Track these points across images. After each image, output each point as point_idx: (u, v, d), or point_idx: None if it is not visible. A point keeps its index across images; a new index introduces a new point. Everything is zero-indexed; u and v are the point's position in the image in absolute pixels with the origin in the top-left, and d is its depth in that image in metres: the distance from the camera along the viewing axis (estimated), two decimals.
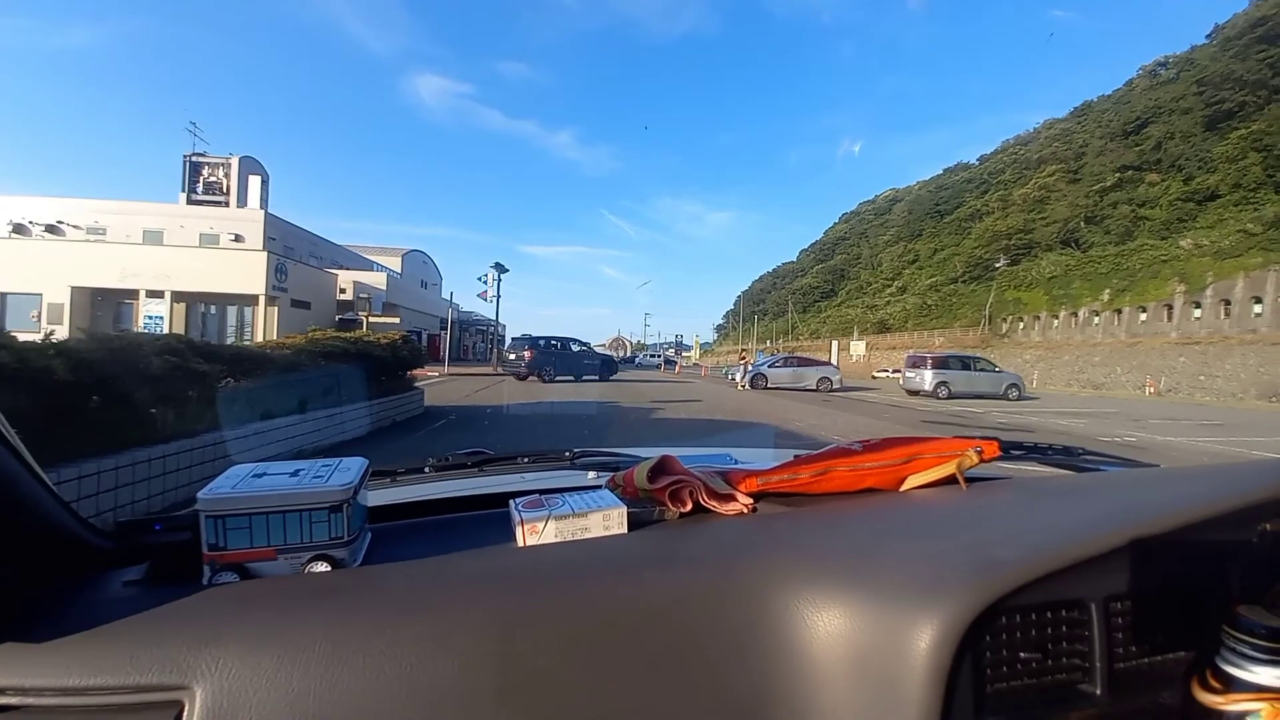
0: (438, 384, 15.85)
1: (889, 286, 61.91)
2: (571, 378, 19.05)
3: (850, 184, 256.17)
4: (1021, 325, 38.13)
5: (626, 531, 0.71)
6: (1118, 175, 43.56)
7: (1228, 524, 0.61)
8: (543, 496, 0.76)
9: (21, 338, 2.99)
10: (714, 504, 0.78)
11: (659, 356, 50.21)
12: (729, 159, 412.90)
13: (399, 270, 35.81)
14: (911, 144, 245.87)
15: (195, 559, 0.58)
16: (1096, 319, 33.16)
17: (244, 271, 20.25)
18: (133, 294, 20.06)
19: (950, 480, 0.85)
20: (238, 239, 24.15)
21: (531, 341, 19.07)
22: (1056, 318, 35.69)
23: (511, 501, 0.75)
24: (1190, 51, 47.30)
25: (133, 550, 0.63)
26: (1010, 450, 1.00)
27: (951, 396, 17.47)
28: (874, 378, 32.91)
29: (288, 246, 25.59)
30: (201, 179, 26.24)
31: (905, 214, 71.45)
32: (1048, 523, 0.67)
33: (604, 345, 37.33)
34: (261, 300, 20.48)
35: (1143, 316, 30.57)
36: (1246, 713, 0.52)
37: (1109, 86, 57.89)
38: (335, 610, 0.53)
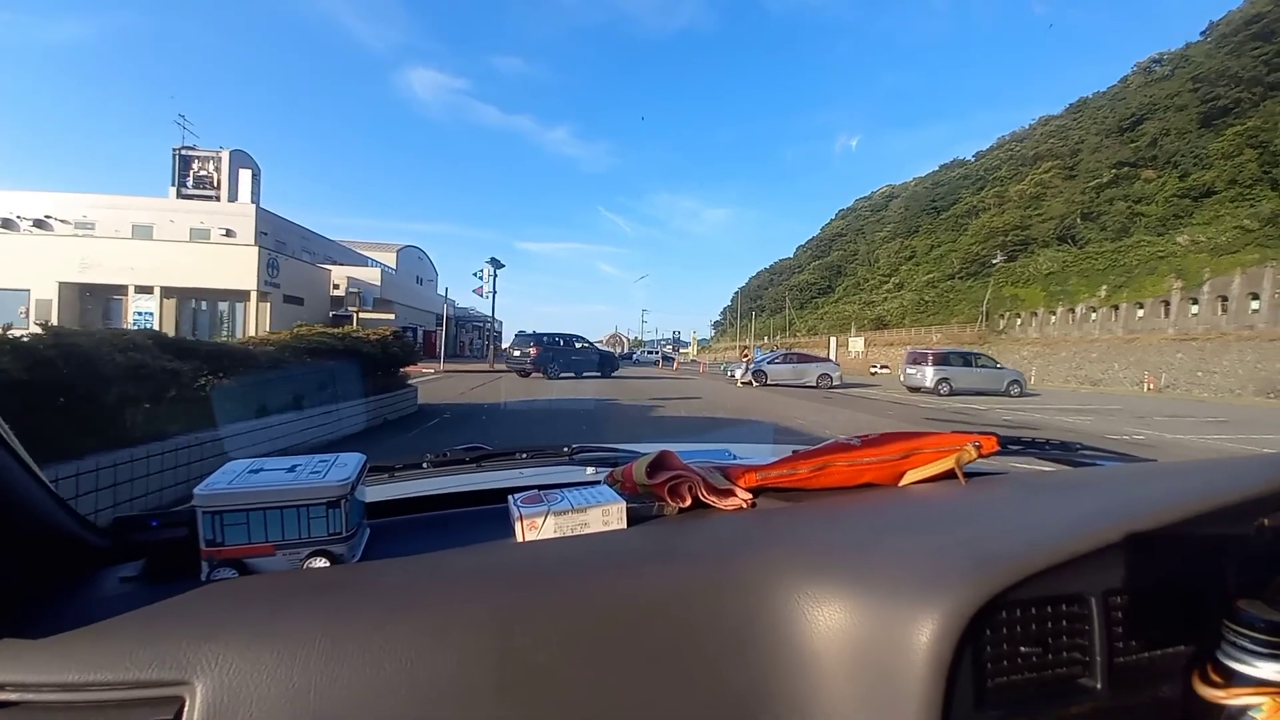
0: (433, 381, 15.60)
1: (886, 283, 61.89)
2: (573, 374, 18.98)
3: (847, 180, 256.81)
4: (1019, 321, 38.15)
5: (625, 527, 0.70)
6: (1114, 172, 43.60)
7: (1226, 518, 0.60)
8: (541, 492, 0.75)
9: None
10: (713, 499, 0.78)
11: (656, 353, 50.09)
12: (726, 155, 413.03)
13: (394, 266, 35.48)
14: (908, 140, 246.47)
15: (193, 555, 0.57)
16: (1094, 315, 33.18)
17: (235, 267, 19.94)
18: (121, 290, 19.73)
19: (949, 475, 0.84)
20: (229, 234, 23.81)
21: (537, 338, 19.06)
22: (1054, 314, 35.70)
23: (510, 497, 0.74)
24: (1185, 49, 47.40)
25: (129, 547, 0.62)
26: (1008, 445, 1.00)
27: (953, 393, 17.34)
28: (872, 374, 32.86)
29: (280, 241, 25.25)
30: (192, 173, 25.89)
31: (902, 210, 71.45)
32: (1047, 517, 0.67)
33: (601, 342, 37.11)
34: (253, 296, 20.18)
35: (1140, 313, 30.59)
36: (1247, 707, 0.52)
37: (1104, 83, 58.04)
38: (334, 606, 0.52)
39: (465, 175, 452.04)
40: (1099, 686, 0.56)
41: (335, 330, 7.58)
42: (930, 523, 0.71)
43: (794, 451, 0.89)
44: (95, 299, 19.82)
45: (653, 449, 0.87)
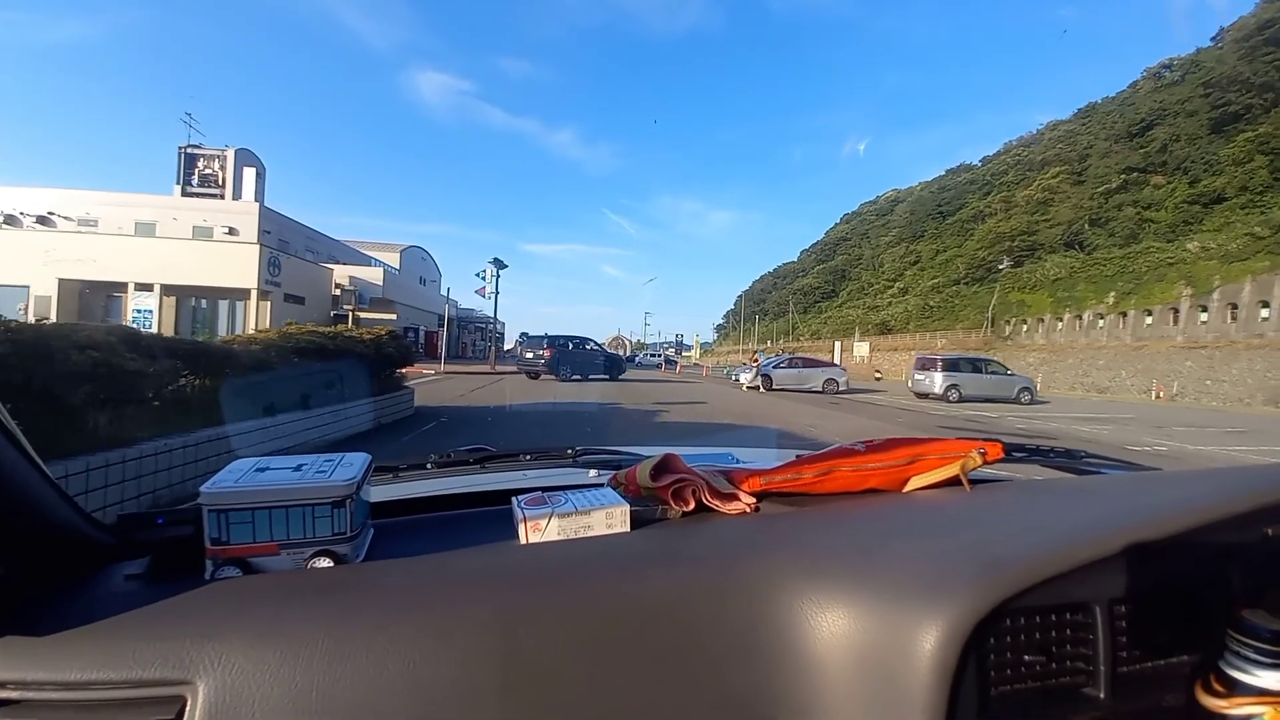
0: (432, 383, 15.39)
1: (890, 287, 61.51)
2: (580, 377, 18.96)
3: (852, 184, 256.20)
4: (1025, 328, 37.79)
5: (629, 530, 0.70)
6: (1122, 177, 43.27)
7: (1231, 527, 0.60)
8: (545, 494, 0.75)
9: None
10: (717, 503, 0.77)
11: (659, 356, 49.85)
12: (730, 157, 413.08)
13: (397, 266, 35.37)
14: (913, 144, 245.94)
15: (198, 553, 0.57)
16: (1101, 322, 32.81)
17: (235, 265, 19.82)
18: (121, 287, 19.61)
19: (954, 482, 0.84)
20: (231, 232, 23.71)
21: (550, 340, 19.19)
22: (1060, 320, 35.34)
23: (514, 499, 0.74)
24: (1195, 54, 47.04)
25: (134, 544, 0.62)
26: (1013, 453, 1.00)
27: (962, 400, 17.03)
28: (876, 379, 32.57)
29: (283, 240, 25.15)
30: (197, 171, 25.85)
31: (907, 215, 71.09)
32: (1052, 524, 0.67)
33: (604, 344, 36.98)
34: (253, 295, 20.05)
35: (1148, 320, 30.21)
36: (1250, 716, 0.52)
37: (1112, 88, 57.78)
38: (338, 606, 0.53)
39: (470, 176, 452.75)
40: (1102, 696, 0.56)
41: (326, 330, 7.32)
42: (935, 529, 0.70)
43: (798, 456, 0.88)
44: (95, 296, 19.71)
45: (656, 452, 0.86)
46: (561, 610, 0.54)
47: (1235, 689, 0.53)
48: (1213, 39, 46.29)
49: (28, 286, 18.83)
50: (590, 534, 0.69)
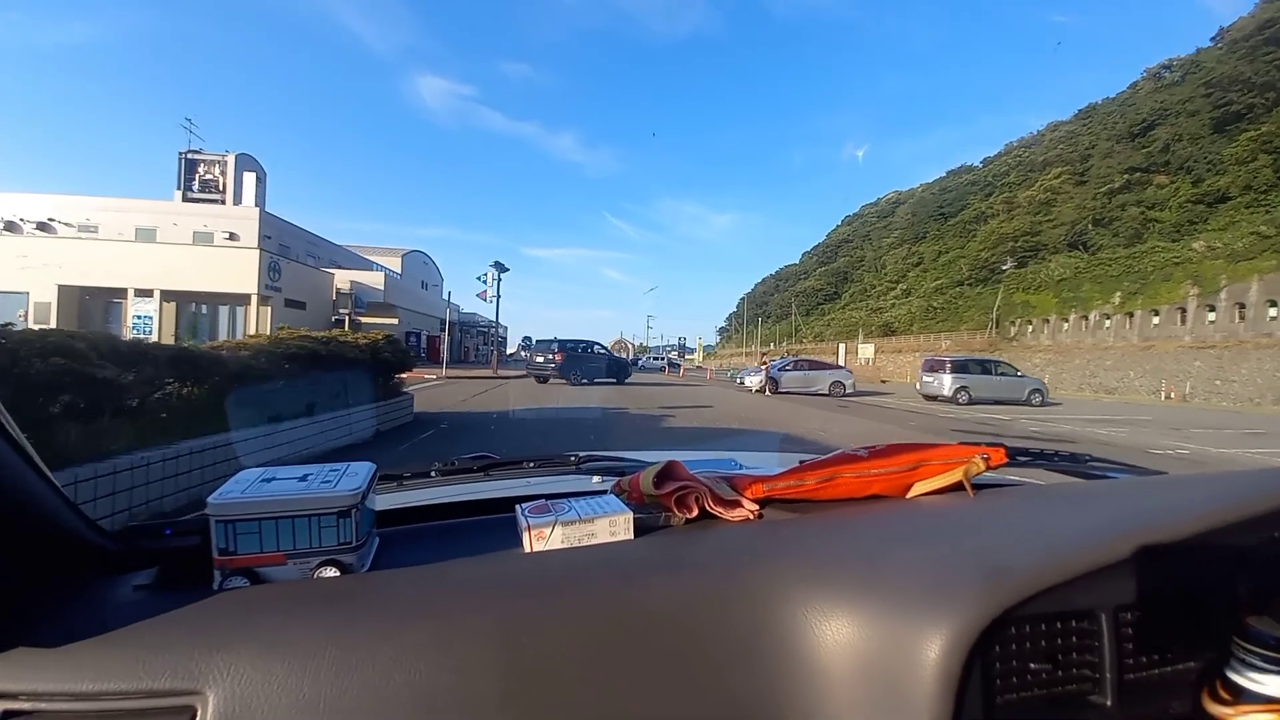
0: (434, 388, 15.17)
1: (893, 289, 61.36)
2: (587, 380, 18.99)
3: (853, 186, 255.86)
4: (1030, 328, 37.55)
5: (633, 537, 0.70)
6: (1125, 177, 43.13)
7: (1238, 532, 0.60)
8: (549, 502, 0.75)
9: None
10: (720, 510, 0.77)
11: (662, 359, 49.66)
12: (731, 161, 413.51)
13: (399, 270, 35.26)
14: (914, 146, 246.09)
15: (205, 563, 0.58)
16: (1108, 322, 32.58)
17: (235, 270, 19.70)
18: (121, 293, 19.49)
19: (957, 487, 0.83)
20: (232, 237, 23.59)
21: (561, 344, 19.31)
22: (1066, 321, 35.10)
23: (518, 506, 0.74)
24: (1196, 54, 47.00)
25: (142, 554, 0.62)
26: (1017, 457, 0.99)
27: (971, 402, 16.79)
28: (883, 382, 32.34)
29: (284, 245, 25.03)
30: (198, 176, 25.79)
31: (909, 216, 70.97)
32: (1058, 530, 0.67)
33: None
34: (254, 300, 19.92)
35: (1155, 320, 29.98)
36: None
37: (1112, 89, 57.85)
38: (344, 616, 0.53)
39: (472, 181, 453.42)
40: (1109, 703, 0.55)
41: (319, 334, 7.00)
42: (939, 535, 0.69)
43: (801, 462, 0.88)
44: (95, 302, 19.59)
45: (659, 458, 0.87)
46: (565, 618, 0.54)
47: (1241, 696, 0.52)
48: (1213, 39, 46.24)
49: (27, 293, 18.72)
50: (594, 541, 0.69)
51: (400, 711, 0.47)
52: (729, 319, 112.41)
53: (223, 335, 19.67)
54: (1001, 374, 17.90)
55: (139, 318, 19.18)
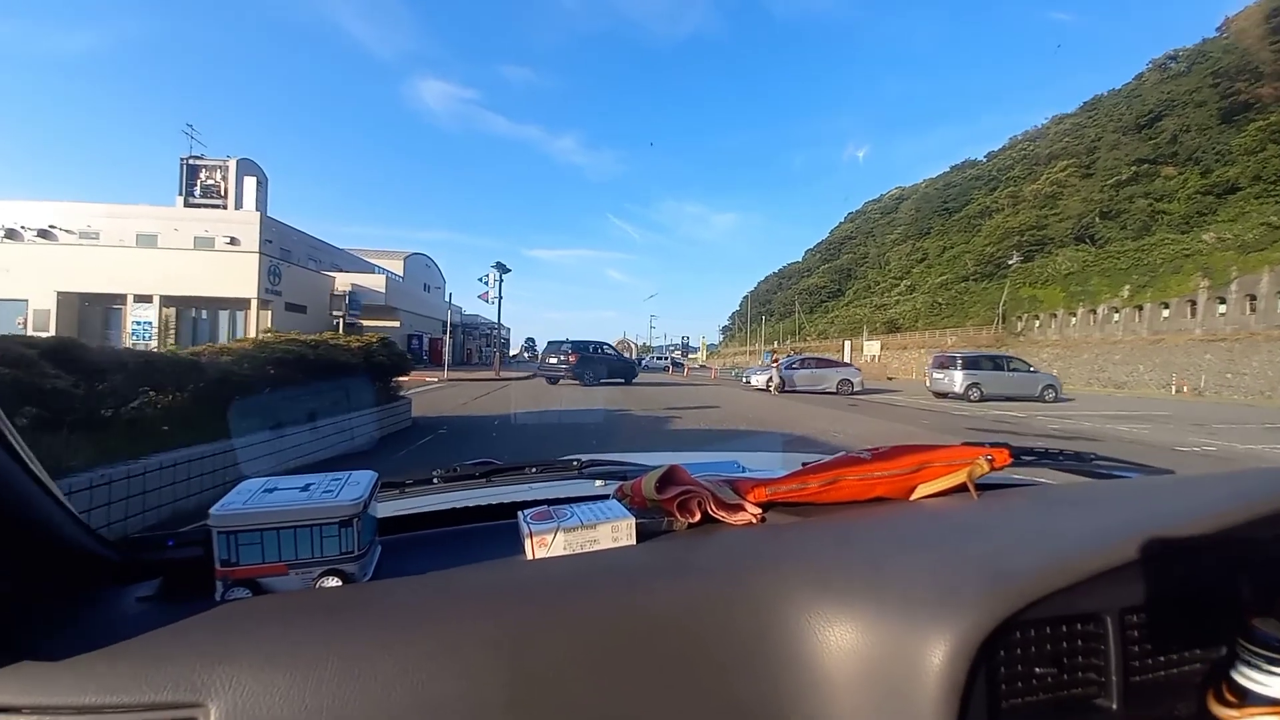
0: (434, 391, 14.97)
1: (897, 285, 60.89)
2: (597, 382, 19.03)
3: (855, 184, 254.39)
4: (1037, 323, 37.14)
5: (635, 543, 0.70)
6: (1133, 169, 42.62)
7: (1244, 533, 0.59)
8: (551, 508, 0.75)
9: None
10: (722, 514, 0.77)
11: (666, 359, 49.34)
12: (733, 160, 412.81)
13: (401, 273, 35.10)
14: (917, 142, 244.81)
15: (208, 574, 0.58)
16: (1116, 316, 32.16)
17: (235, 275, 19.57)
18: (120, 299, 19.38)
19: (961, 489, 0.83)
20: (233, 242, 23.43)
21: (575, 346, 19.49)
22: (1074, 315, 34.68)
23: (520, 513, 0.74)
24: (1201, 44, 46.41)
25: (145, 565, 0.63)
26: (1021, 457, 0.99)
27: (984, 399, 16.38)
28: (889, 379, 32.02)
29: (285, 249, 24.87)
30: (199, 182, 25.65)
31: (912, 212, 70.48)
32: (1063, 533, 0.66)
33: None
34: (254, 304, 19.78)
35: (1165, 313, 29.56)
36: None
37: (1116, 82, 57.27)
38: (346, 626, 0.53)
39: (474, 183, 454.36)
40: (1115, 707, 0.55)
41: (308, 338, 6.69)
42: (943, 539, 0.69)
43: (804, 465, 0.87)
44: (94, 309, 19.49)
45: (661, 460, 0.86)
46: (568, 624, 0.54)
47: (1247, 698, 0.52)
48: (1218, 29, 45.67)
49: (26, 300, 18.64)
50: (596, 548, 0.68)
51: None
52: (732, 318, 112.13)
53: (222, 340, 19.53)
54: (1014, 370, 17.46)
55: (138, 324, 19.06)
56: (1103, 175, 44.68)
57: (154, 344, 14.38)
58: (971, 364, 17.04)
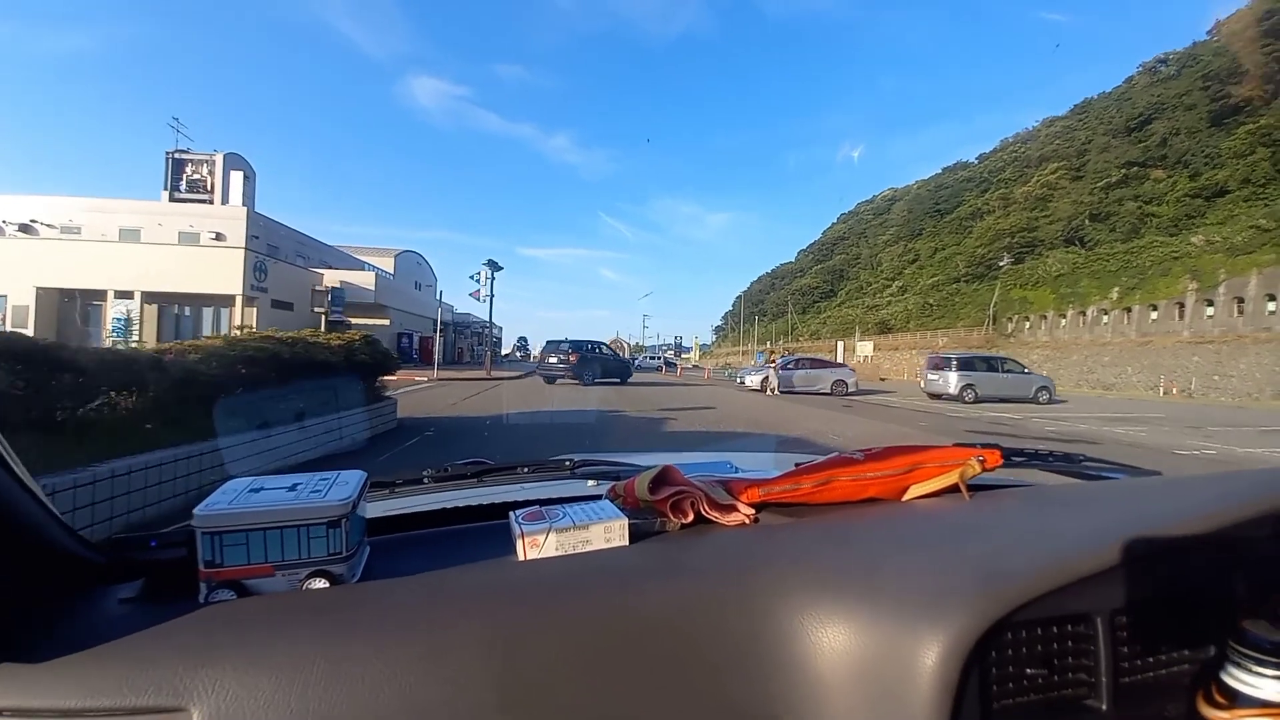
0: (422, 391, 14.69)
1: (889, 286, 61.16)
2: (597, 381, 19.04)
3: (848, 185, 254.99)
4: (1028, 324, 37.37)
5: (628, 543, 0.70)
6: (1123, 172, 42.98)
7: (1234, 534, 0.60)
8: (543, 508, 0.74)
9: None
10: (715, 515, 0.77)
11: (658, 359, 49.19)
12: (726, 160, 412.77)
13: (391, 271, 34.71)
14: (909, 143, 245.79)
15: (191, 576, 0.57)
16: (1106, 318, 32.41)
17: (220, 270, 19.19)
18: (101, 295, 18.95)
19: (953, 490, 0.84)
20: (219, 237, 23.01)
21: (573, 346, 19.59)
22: (1064, 317, 34.92)
23: (511, 514, 0.73)
24: (1191, 47, 46.87)
25: (127, 566, 0.61)
26: (1012, 458, 0.99)
27: (978, 400, 16.40)
28: (882, 380, 32.04)
29: (272, 245, 24.46)
30: (185, 176, 25.17)
31: (904, 213, 70.80)
32: (1054, 534, 0.67)
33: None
34: (238, 300, 19.40)
35: (1154, 315, 29.83)
36: None
37: (1106, 84, 57.68)
38: (333, 628, 0.52)
39: (467, 182, 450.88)
40: (1104, 707, 0.56)
41: (283, 335, 6.41)
42: (935, 540, 0.69)
43: (797, 465, 0.88)
44: (74, 304, 19.04)
45: (654, 460, 0.86)
46: (559, 626, 0.54)
47: (1236, 700, 0.53)
48: (1208, 33, 46.14)
49: (5, 296, 18.18)
50: (589, 549, 0.68)
51: None
52: (725, 318, 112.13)
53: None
54: (1008, 371, 17.52)
55: (118, 319, 18.66)
56: (1093, 178, 45.02)
57: (135, 341, 14.01)
58: (966, 365, 17.07)
